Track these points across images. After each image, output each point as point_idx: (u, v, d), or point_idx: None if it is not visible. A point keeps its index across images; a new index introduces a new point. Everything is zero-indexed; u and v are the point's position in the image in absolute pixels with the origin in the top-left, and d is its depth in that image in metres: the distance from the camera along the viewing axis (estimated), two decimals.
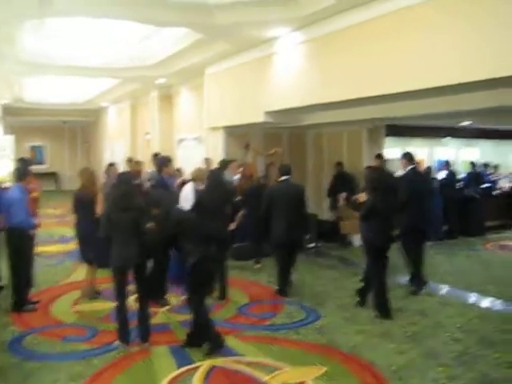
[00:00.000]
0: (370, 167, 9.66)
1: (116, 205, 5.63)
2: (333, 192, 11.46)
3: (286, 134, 13.05)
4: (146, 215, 5.89)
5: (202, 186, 7.13)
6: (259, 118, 10.33)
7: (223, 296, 7.33)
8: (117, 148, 20.87)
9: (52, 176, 27.98)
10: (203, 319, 5.59)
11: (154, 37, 12.09)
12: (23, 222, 6.63)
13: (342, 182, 11.30)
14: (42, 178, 26.56)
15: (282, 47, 9.51)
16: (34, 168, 25.80)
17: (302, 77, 9.14)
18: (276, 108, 9.91)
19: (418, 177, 8.48)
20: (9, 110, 21.74)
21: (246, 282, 8.42)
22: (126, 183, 5.80)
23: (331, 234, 11.37)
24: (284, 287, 7.67)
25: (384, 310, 6.64)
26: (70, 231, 13.51)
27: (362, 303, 7.07)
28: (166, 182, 7.85)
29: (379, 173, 7.80)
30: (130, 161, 10.93)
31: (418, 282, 7.89)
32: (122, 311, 5.62)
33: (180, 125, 15.68)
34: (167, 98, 16.25)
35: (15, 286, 6.75)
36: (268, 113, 10.19)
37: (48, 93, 20.15)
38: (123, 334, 5.60)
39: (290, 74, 9.38)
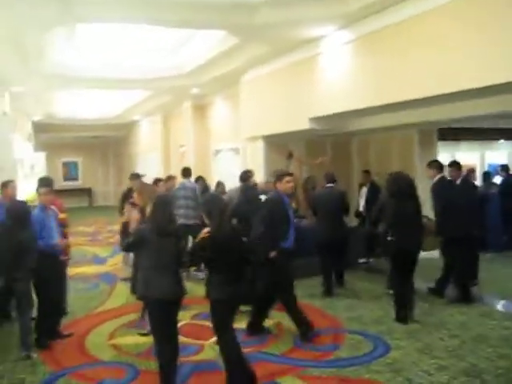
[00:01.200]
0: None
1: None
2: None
3: (329, 141, 12.25)
4: None
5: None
6: (303, 125, 9.57)
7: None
8: (149, 162, 20.35)
9: (86, 192, 27.68)
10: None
11: (186, 45, 11.48)
12: (44, 245, 5.98)
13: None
14: (76, 195, 26.60)
15: (328, 47, 8.76)
16: (67, 184, 26.31)
17: (350, 78, 8.37)
18: (322, 113, 9.14)
19: (450, 185, 7.93)
20: (40, 127, 21.56)
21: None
22: None
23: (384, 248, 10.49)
24: (330, 288, 7.95)
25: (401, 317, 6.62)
26: (104, 250, 13.17)
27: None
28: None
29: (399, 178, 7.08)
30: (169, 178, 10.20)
31: (442, 285, 7.82)
32: None
33: (215, 136, 15.03)
34: (201, 109, 15.64)
35: (36, 318, 6.08)
36: (313, 119, 9.42)
37: (79, 108, 19.92)
38: None
39: (337, 76, 8.62)
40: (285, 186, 6.28)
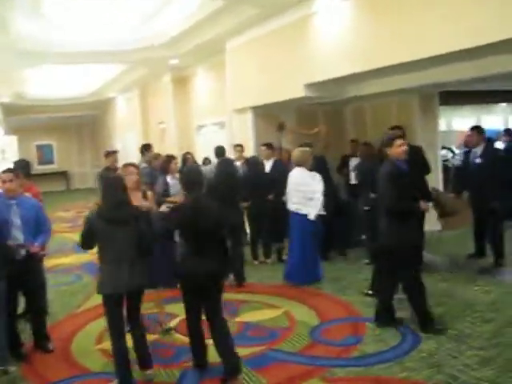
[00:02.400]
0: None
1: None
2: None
3: (321, 110, 11.45)
4: None
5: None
6: (298, 92, 8.77)
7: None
8: (128, 141, 19.37)
9: (62, 175, 26.61)
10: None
11: (163, 11, 10.54)
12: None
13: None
14: (52, 179, 25.55)
15: (323, 5, 7.93)
16: (42, 168, 25.22)
17: (349, 39, 7.58)
18: (318, 79, 8.36)
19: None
20: (10, 109, 20.45)
21: (307, 291, 6.88)
22: None
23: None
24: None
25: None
26: None
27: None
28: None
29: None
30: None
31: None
32: None
33: (198, 110, 14.13)
34: (182, 82, 14.69)
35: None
36: (308, 85, 8.63)
37: (51, 88, 18.85)
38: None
39: (334, 37, 7.82)
40: (397, 150, 5.17)
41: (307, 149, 7.29)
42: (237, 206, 7.46)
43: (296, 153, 7.21)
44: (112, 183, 4.55)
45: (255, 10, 8.78)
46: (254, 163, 8.49)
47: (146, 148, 9.10)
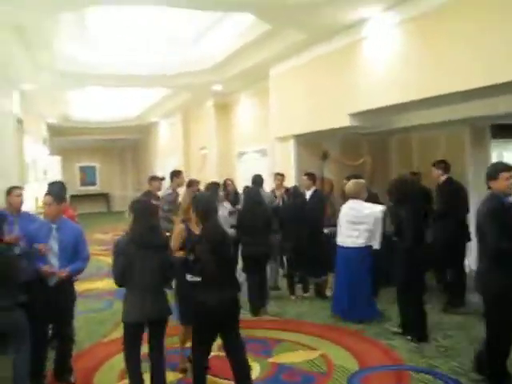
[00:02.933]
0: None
1: None
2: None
3: (366, 141, 11.08)
4: None
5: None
6: (342, 121, 8.45)
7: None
8: (169, 165, 19.30)
9: (103, 197, 26.85)
10: None
11: (208, 35, 10.44)
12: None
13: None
14: (94, 200, 25.83)
15: (372, 32, 7.65)
16: (85, 189, 25.52)
17: (397, 67, 7.24)
18: (364, 108, 8.01)
19: None
20: (55, 130, 20.77)
21: (347, 332, 6.45)
22: None
23: None
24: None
25: None
26: None
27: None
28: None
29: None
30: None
31: None
32: None
33: (240, 137, 13.94)
34: (224, 108, 14.58)
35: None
36: (354, 115, 8.30)
37: (95, 110, 19.13)
38: None
39: (383, 64, 7.49)
40: (503, 183, 4.56)
41: (361, 180, 7.01)
42: (265, 236, 7.24)
43: (350, 185, 6.92)
44: (146, 208, 4.47)
45: (301, 36, 8.55)
46: (294, 193, 8.18)
47: (175, 174, 8.77)
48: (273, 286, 8.29)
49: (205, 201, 4.66)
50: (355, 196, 6.81)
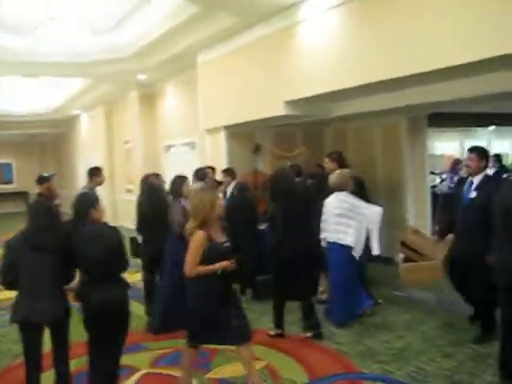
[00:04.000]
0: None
1: None
2: None
3: (299, 132, 10.63)
4: None
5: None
6: (277, 110, 7.92)
7: None
8: (91, 161, 18.25)
9: (21, 196, 25.21)
10: None
11: (128, 21, 9.68)
12: None
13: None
14: (11, 199, 24.21)
15: (309, 14, 7.10)
16: (1, 188, 23.90)
17: (337, 52, 6.76)
18: (301, 95, 7.50)
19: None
20: None
21: (291, 339, 5.91)
22: None
23: None
24: None
25: None
26: None
27: None
28: None
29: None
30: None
31: None
32: None
33: (167, 129, 13.19)
34: (149, 98, 13.77)
35: None
36: (289, 103, 7.78)
37: (10, 102, 17.71)
38: None
39: (321, 49, 6.99)
40: None
41: (346, 170, 6.40)
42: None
43: (335, 177, 6.23)
44: (42, 207, 4.26)
45: (232, 20, 7.95)
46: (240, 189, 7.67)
47: (95, 172, 7.66)
48: None
49: None
50: (341, 188, 6.16)
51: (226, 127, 9.56)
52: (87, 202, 4.29)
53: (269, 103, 8.04)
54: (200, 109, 10.19)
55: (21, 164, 25.45)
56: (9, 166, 25.44)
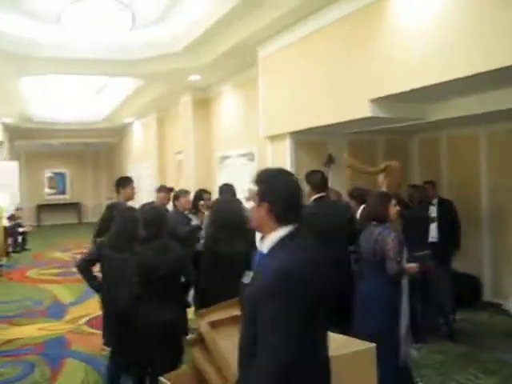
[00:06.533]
0: None
1: None
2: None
3: (381, 141, 8.76)
4: None
5: None
6: (361, 111, 6.08)
7: None
8: (142, 172, 16.98)
9: (74, 207, 24.32)
10: None
11: (176, 10, 8.15)
12: None
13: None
14: (63, 210, 23.39)
15: None
16: (53, 198, 23.18)
17: (451, 31, 4.90)
18: (392, 91, 5.65)
19: None
20: (15, 132, 18.45)
21: None
22: None
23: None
24: None
25: None
26: (71, 291, 8.77)
27: None
28: None
29: None
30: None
31: None
32: None
33: (222, 138, 11.57)
34: (204, 104, 12.16)
35: None
36: (376, 101, 5.96)
37: (61, 110, 17.06)
38: None
39: (424, 29, 5.15)
40: None
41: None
42: None
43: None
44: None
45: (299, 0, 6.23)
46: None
47: (121, 183, 6.45)
48: None
49: None
50: None
51: (292, 134, 7.80)
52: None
53: (349, 103, 6.23)
54: (260, 112, 8.49)
55: (74, 174, 24.61)
56: (62, 175, 24.62)
